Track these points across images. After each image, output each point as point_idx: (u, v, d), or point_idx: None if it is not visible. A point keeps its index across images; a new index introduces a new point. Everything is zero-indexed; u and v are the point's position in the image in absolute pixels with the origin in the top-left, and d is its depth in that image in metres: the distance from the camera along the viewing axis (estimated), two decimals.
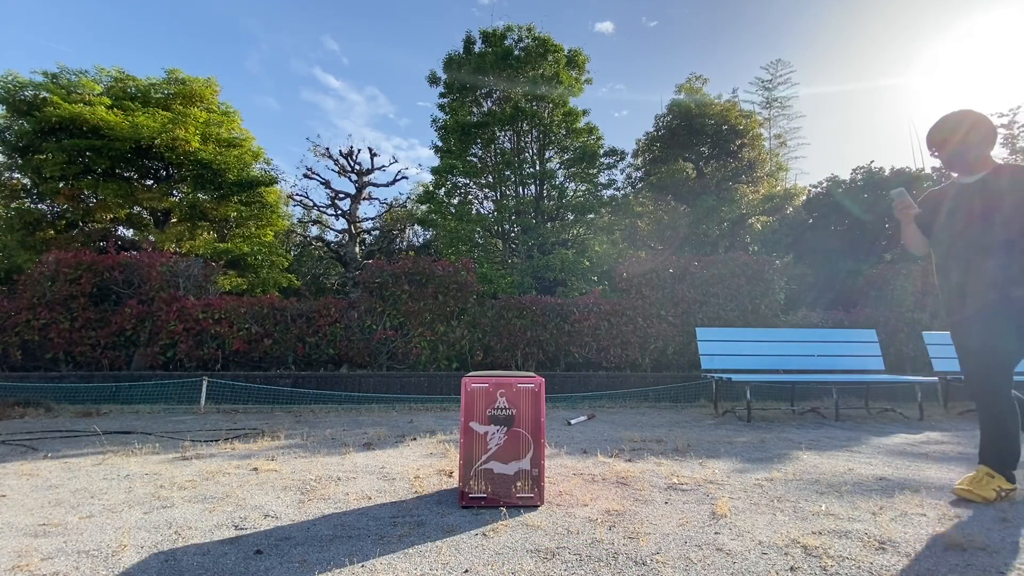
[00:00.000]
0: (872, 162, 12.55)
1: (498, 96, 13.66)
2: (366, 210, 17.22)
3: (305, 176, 15.69)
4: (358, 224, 16.30)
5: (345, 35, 47.34)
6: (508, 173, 13.43)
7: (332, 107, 47.68)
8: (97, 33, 49.27)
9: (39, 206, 10.48)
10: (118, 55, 50.61)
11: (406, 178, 33.55)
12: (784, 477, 2.57)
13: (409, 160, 58.44)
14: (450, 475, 2.59)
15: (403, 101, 47.77)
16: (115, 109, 9.56)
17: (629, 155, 14.94)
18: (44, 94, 9.42)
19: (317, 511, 2.03)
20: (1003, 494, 2.17)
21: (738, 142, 13.36)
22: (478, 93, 13.80)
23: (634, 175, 15.41)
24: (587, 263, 12.47)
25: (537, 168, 13.67)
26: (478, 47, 13.67)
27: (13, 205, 10.28)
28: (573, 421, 4.45)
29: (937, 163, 13.69)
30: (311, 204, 16.81)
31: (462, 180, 14.00)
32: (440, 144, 14.10)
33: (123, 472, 2.64)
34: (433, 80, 14.17)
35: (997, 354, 2.19)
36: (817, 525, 1.86)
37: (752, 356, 5.36)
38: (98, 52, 48.70)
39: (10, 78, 9.44)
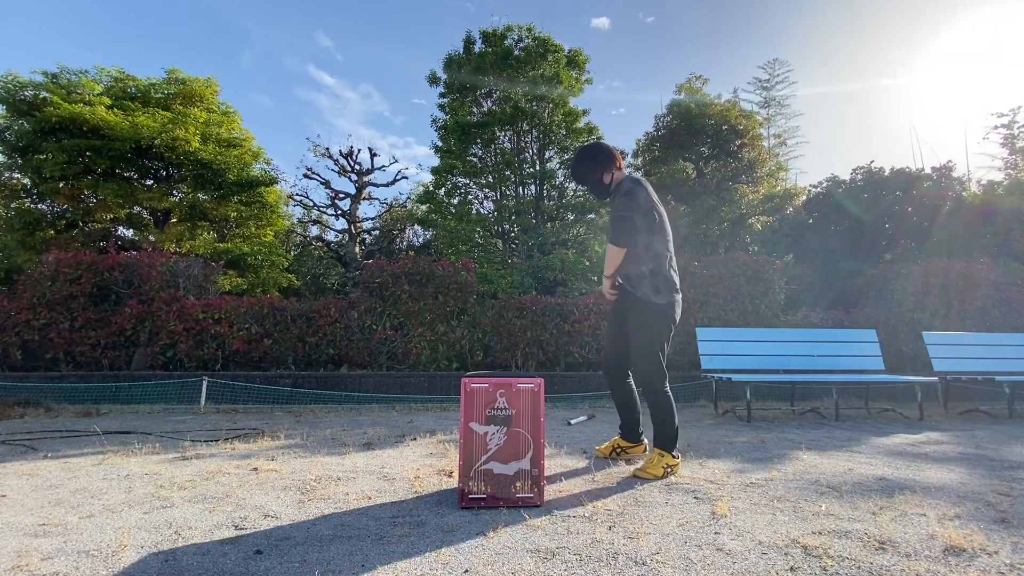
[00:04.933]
0: (872, 162, 12.54)
1: (498, 96, 13.65)
2: (366, 210, 17.24)
3: (305, 176, 15.71)
4: (358, 224, 16.31)
5: (338, 31, 47.22)
6: (508, 173, 13.43)
7: (326, 105, 47.60)
8: (97, 33, 49.26)
9: (39, 206, 10.46)
10: (118, 55, 50.62)
11: (406, 178, 33.61)
12: (784, 477, 2.57)
13: (405, 158, 58.46)
14: (450, 475, 2.59)
15: (398, 99, 47.67)
16: (115, 109, 9.54)
17: (629, 155, 14.95)
18: (44, 94, 9.40)
19: (317, 511, 2.03)
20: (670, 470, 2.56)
21: (738, 142, 13.35)
22: (478, 93, 13.79)
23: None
24: (587, 263, 12.46)
25: (537, 168, 13.67)
26: (478, 47, 13.67)
27: (13, 205, 10.26)
28: (573, 421, 4.45)
29: (937, 163, 13.69)
30: (311, 204, 16.83)
31: (462, 180, 14.00)
32: (440, 144, 14.10)
33: (123, 472, 2.64)
34: (433, 80, 14.17)
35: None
36: (817, 525, 1.86)
37: (752, 356, 5.36)
38: (98, 52, 48.69)
39: (10, 78, 9.43)
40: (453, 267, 6.93)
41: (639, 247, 2.63)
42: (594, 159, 2.75)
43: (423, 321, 6.71)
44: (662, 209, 2.72)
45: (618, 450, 2.92)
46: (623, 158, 15.66)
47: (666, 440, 2.61)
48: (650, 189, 2.70)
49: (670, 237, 2.72)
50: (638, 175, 2.77)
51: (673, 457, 2.59)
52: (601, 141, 2.79)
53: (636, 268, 2.64)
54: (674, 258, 2.73)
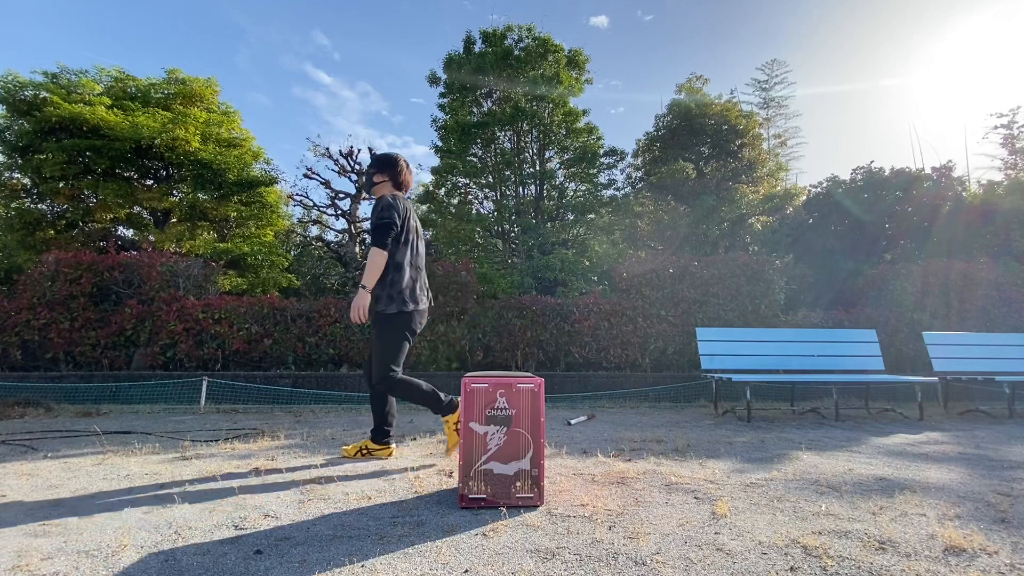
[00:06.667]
0: (872, 162, 12.56)
1: (498, 96, 13.66)
2: (366, 210, 17.22)
3: (305, 176, 15.70)
4: (358, 224, 16.30)
5: (336, 29, 47.21)
6: (508, 173, 13.43)
7: (324, 103, 47.62)
8: (97, 33, 49.26)
9: (39, 206, 10.45)
10: (118, 55, 50.67)
11: None
12: (784, 477, 2.57)
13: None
14: (450, 475, 2.59)
15: (396, 98, 47.67)
16: (115, 109, 9.53)
17: (629, 155, 14.95)
18: (44, 94, 9.39)
19: (317, 511, 2.03)
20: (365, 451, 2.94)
21: (738, 142, 13.36)
22: (478, 93, 13.80)
23: (634, 175, 15.40)
24: (587, 263, 12.46)
25: (537, 168, 13.67)
26: (478, 47, 13.67)
27: (13, 205, 10.25)
28: (573, 421, 4.45)
29: (937, 163, 13.69)
30: (311, 204, 16.81)
31: (462, 180, 14.00)
32: (440, 144, 14.10)
33: (123, 472, 2.64)
34: (433, 80, 14.17)
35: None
36: (817, 525, 1.86)
37: (752, 356, 5.36)
38: (98, 52, 48.69)
39: (10, 78, 9.42)
40: (453, 267, 6.93)
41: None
42: (387, 163, 3.00)
43: None
44: (418, 225, 2.92)
45: (364, 451, 2.96)
46: (622, 159, 15.55)
47: (436, 404, 2.79)
48: (410, 207, 2.89)
49: (419, 251, 2.88)
50: (399, 193, 2.95)
51: (386, 447, 2.95)
52: (401, 158, 2.98)
53: (380, 280, 2.78)
54: (423, 272, 2.91)
